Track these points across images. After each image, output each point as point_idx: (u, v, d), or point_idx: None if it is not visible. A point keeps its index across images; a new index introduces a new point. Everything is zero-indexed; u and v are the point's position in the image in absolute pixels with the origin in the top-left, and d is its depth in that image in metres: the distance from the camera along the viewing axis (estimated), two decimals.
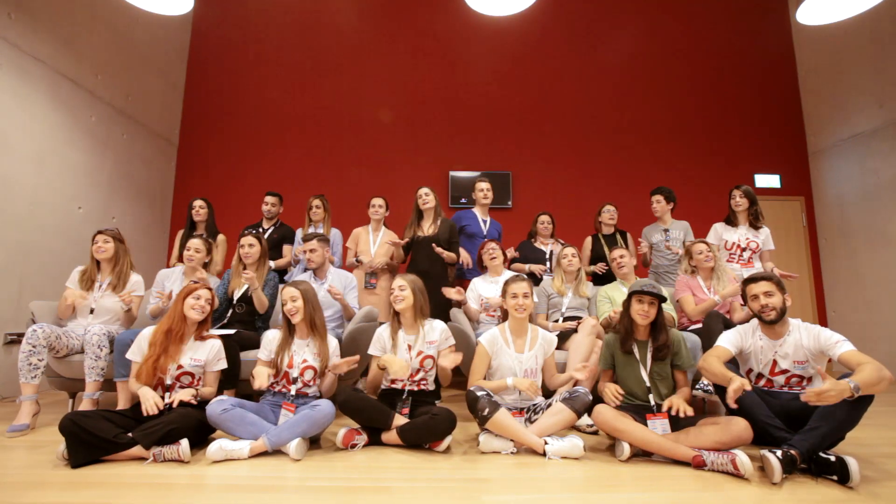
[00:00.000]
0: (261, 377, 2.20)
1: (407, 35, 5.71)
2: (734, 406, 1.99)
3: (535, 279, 3.55)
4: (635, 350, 2.32)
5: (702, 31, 5.81)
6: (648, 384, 2.28)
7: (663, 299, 2.28)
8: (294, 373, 2.34)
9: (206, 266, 3.22)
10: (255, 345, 2.73)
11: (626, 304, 2.36)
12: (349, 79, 5.62)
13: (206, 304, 2.37)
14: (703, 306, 2.97)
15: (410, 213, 3.64)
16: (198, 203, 3.77)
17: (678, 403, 2.06)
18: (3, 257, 3.40)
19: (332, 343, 2.48)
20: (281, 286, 2.90)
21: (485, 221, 3.81)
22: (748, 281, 2.33)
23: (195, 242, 3.14)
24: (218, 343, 2.42)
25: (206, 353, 2.37)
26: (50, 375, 2.76)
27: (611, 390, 2.22)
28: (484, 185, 3.81)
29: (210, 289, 2.43)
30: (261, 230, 3.69)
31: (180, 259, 3.39)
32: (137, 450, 1.99)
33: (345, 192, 5.13)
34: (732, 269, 3.43)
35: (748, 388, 1.94)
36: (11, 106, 3.48)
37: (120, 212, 4.60)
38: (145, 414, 2.09)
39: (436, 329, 2.50)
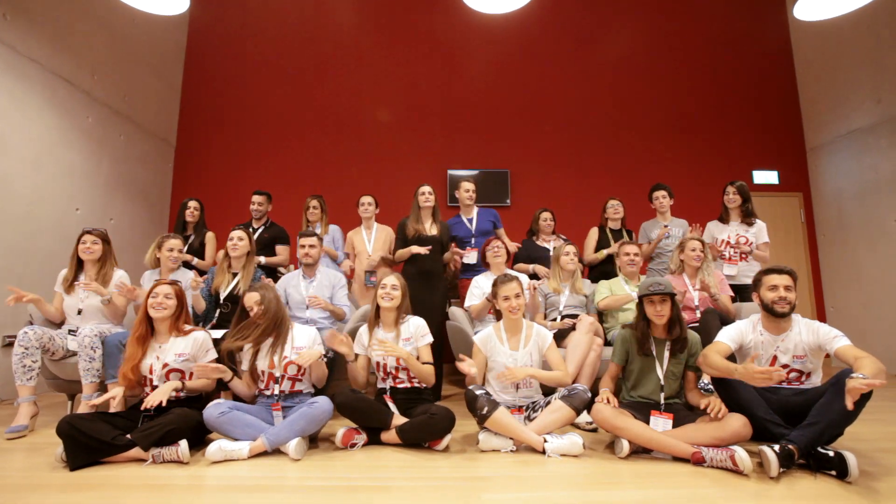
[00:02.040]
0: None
1: (404, 33, 5.69)
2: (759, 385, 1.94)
3: (537, 279, 3.54)
4: (654, 350, 2.31)
5: (699, 28, 5.80)
6: (663, 383, 2.28)
7: (673, 294, 2.27)
8: (277, 372, 2.33)
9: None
10: None
11: (640, 308, 2.36)
12: (346, 78, 5.61)
13: (166, 299, 2.30)
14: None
15: (408, 212, 3.61)
16: (192, 204, 3.82)
17: (719, 405, 2.06)
18: (1, 259, 3.39)
19: (312, 332, 2.49)
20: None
21: (470, 220, 3.77)
22: (770, 270, 2.27)
23: (177, 242, 3.12)
24: (202, 335, 2.39)
25: (190, 347, 2.33)
26: (48, 377, 2.76)
27: (605, 396, 2.24)
28: (469, 186, 3.76)
29: (172, 282, 2.37)
30: (251, 230, 3.69)
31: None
32: (136, 451, 1.99)
33: (342, 191, 5.11)
34: (719, 265, 3.45)
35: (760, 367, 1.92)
36: (7, 107, 3.47)
37: (117, 213, 4.59)
38: (104, 409, 2.12)
39: (411, 325, 2.54)
